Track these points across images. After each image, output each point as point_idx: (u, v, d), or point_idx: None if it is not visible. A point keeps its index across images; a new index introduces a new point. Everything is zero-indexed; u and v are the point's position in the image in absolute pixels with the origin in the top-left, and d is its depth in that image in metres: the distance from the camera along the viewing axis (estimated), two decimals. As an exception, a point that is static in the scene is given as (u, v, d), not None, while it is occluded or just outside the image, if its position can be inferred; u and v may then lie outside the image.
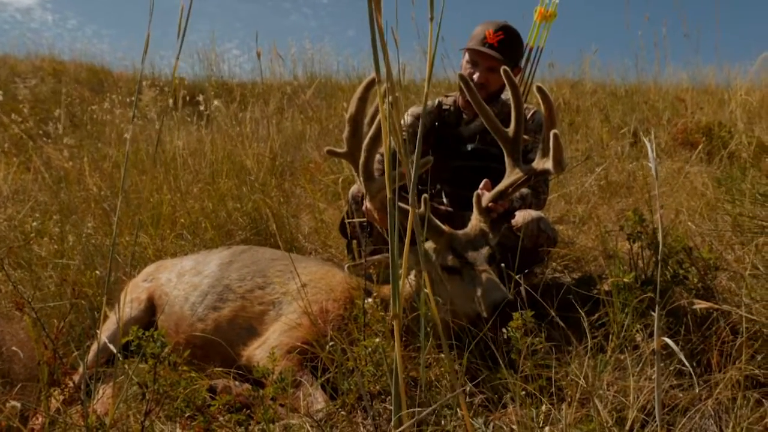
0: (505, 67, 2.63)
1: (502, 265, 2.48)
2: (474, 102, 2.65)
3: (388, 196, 1.28)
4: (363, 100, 2.50)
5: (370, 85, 2.48)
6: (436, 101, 3.48)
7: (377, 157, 3.08)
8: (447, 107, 3.44)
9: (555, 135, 2.44)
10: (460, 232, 2.58)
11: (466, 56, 3.31)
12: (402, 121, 3.33)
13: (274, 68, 9.97)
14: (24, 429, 1.88)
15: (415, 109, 3.45)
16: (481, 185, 2.80)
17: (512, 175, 2.68)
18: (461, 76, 2.67)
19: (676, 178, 4.66)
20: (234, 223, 4.12)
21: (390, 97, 1.56)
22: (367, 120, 2.56)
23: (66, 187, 4.75)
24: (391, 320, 2.12)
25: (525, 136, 2.71)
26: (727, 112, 6.48)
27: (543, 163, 2.60)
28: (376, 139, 2.46)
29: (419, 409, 1.80)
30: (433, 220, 2.55)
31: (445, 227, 2.56)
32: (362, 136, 2.50)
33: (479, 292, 2.35)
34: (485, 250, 2.50)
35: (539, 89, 2.58)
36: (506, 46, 3.20)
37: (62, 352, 1.97)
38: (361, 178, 2.53)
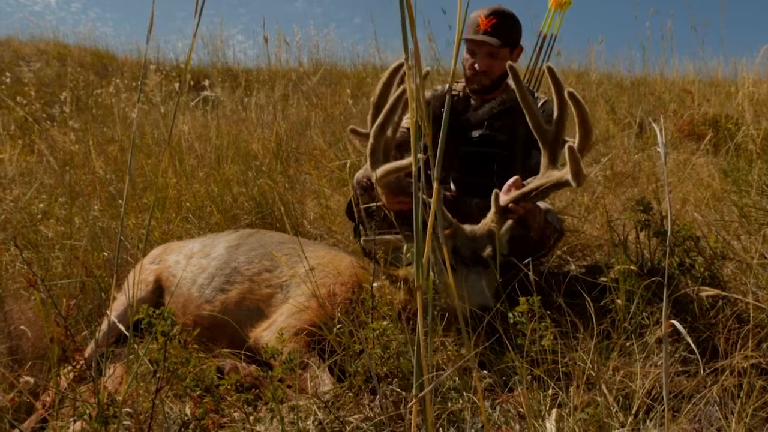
0: (549, 65, 2.55)
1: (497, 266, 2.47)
2: (522, 98, 2.58)
3: (413, 171, 1.28)
4: (388, 85, 2.51)
5: (397, 69, 2.48)
6: (446, 86, 3.48)
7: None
8: (456, 93, 3.43)
9: (570, 147, 2.34)
10: (468, 227, 2.57)
11: (463, 50, 3.30)
12: (413, 104, 3.33)
13: (280, 55, 9.97)
14: (36, 403, 1.90)
15: (426, 93, 3.44)
16: (510, 181, 2.72)
17: (544, 177, 2.59)
18: (510, 67, 2.59)
19: (683, 169, 4.66)
20: (239, 208, 4.14)
21: (417, 77, 1.54)
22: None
23: (72, 170, 4.76)
24: (414, 292, 2.14)
25: (569, 139, 2.56)
26: (733, 105, 6.46)
27: (565, 175, 2.47)
28: (384, 126, 2.46)
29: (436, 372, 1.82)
30: (444, 211, 2.55)
31: (453, 220, 2.56)
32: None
33: (464, 293, 2.37)
34: (486, 251, 2.48)
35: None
36: (500, 30, 3.15)
37: (72, 331, 1.98)
38: (368, 162, 2.54)
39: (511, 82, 2.61)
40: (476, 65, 3.21)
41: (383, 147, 2.54)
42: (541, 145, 2.64)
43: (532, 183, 2.61)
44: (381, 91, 2.50)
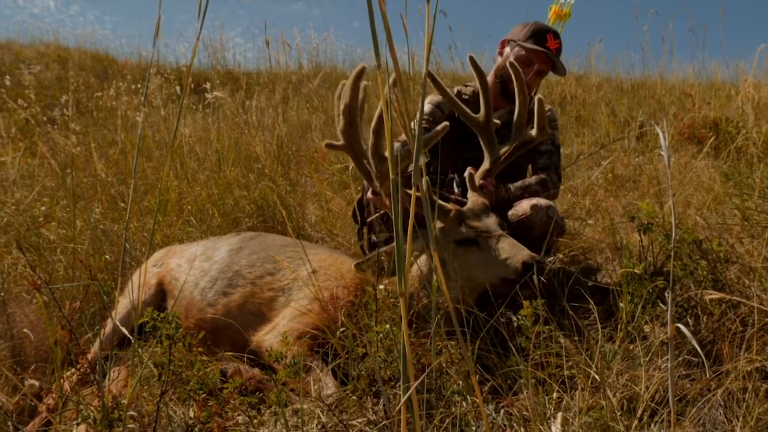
0: (471, 55, 2.75)
1: None
2: (442, 93, 2.84)
3: (391, 176, 1.28)
4: (356, 90, 2.44)
5: (361, 73, 2.40)
6: (455, 90, 3.46)
7: (397, 145, 3.09)
8: (466, 97, 3.42)
9: (539, 100, 2.56)
10: (465, 207, 2.61)
11: (517, 50, 3.28)
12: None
13: (279, 57, 9.97)
14: (40, 406, 1.89)
15: (433, 97, 3.42)
16: (465, 172, 2.84)
17: (488, 157, 2.80)
18: (429, 74, 2.70)
19: (684, 172, 4.66)
20: (241, 211, 4.13)
21: (390, 83, 1.54)
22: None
23: (73, 173, 4.76)
24: (395, 297, 2.14)
25: (496, 121, 2.82)
26: (733, 107, 6.47)
27: (528, 133, 2.73)
28: (382, 122, 2.39)
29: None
30: (439, 201, 2.55)
31: (450, 206, 2.57)
32: (358, 126, 2.47)
33: (503, 256, 2.37)
34: (493, 219, 2.55)
35: (511, 65, 2.75)
36: (559, 54, 3.28)
37: (76, 334, 1.98)
38: (372, 162, 2.48)
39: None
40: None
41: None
42: (476, 131, 2.83)
43: (483, 164, 2.83)
44: (351, 97, 2.43)
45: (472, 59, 2.75)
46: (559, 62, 3.27)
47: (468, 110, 2.79)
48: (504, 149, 2.77)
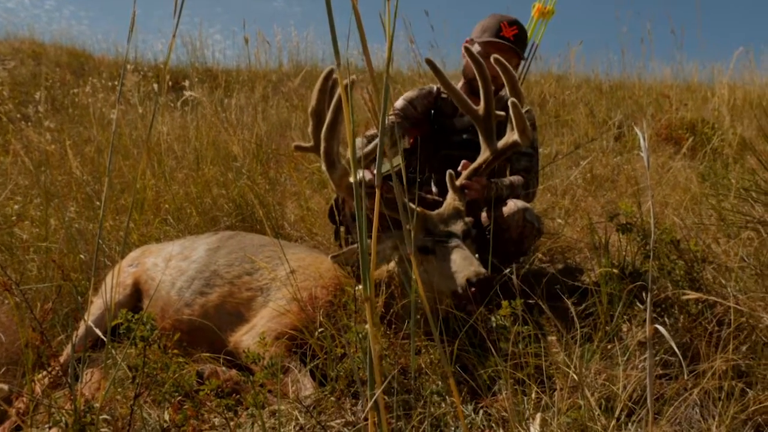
0: (467, 44, 2.67)
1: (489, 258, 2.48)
2: (442, 83, 2.72)
3: (353, 180, 1.26)
4: (324, 92, 2.44)
5: (329, 75, 2.41)
6: (435, 88, 3.45)
7: (364, 141, 3.07)
8: (445, 96, 3.42)
9: (513, 103, 2.47)
10: (434, 212, 2.58)
11: (475, 48, 3.26)
12: (394, 105, 3.34)
13: (259, 55, 9.91)
14: (10, 410, 1.85)
15: (409, 94, 3.41)
16: (460, 166, 2.80)
17: (486, 152, 2.72)
18: (428, 60, 2.67)
19: (660, 173, 4.71)
20: (219, 210, 4.09)
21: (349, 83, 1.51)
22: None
23: (47, 171, 4.67)
24: (362, 303, 2.12)
25: (499, 113, 2.74)
26: (710, 109, 6.55)
27: (511, 137, 2.65)
28: (334, 126, 2.37)
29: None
30: (406, 203, 2.53)
31: (418, 209, 2.54)
32: None
33: (453, 268, 2.34)
34: (459, 226, 2.49)
35: (497, 60, 2.65)
36: (520, 41, 3.22)
37: (48, 335, 1.94)
38: (324, 167, 2.47)
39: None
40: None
41: (337, 148, 2.49)
42: (474, 124, 2.76)
43: (477, 159, 2.74)
44: (318, 100, 2.44)
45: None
46: (519, 45, 3.23)
47: (469, 102, 2.72)
48: (502, 142, 2.68)
